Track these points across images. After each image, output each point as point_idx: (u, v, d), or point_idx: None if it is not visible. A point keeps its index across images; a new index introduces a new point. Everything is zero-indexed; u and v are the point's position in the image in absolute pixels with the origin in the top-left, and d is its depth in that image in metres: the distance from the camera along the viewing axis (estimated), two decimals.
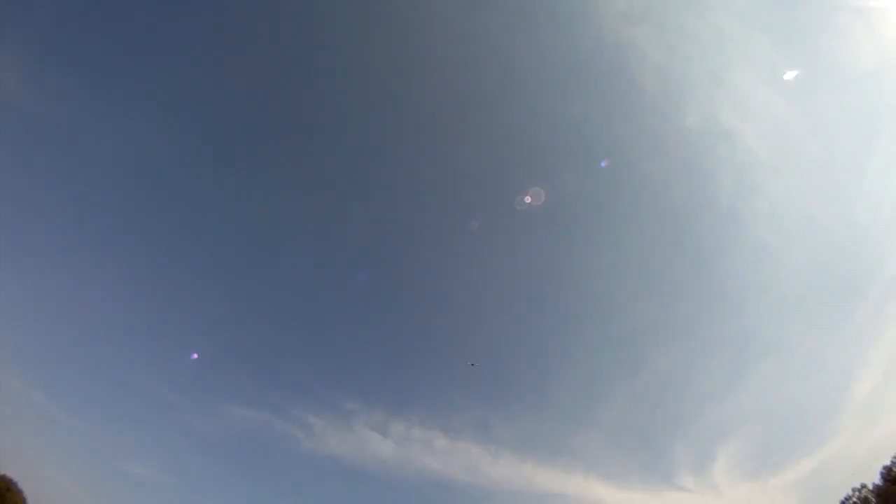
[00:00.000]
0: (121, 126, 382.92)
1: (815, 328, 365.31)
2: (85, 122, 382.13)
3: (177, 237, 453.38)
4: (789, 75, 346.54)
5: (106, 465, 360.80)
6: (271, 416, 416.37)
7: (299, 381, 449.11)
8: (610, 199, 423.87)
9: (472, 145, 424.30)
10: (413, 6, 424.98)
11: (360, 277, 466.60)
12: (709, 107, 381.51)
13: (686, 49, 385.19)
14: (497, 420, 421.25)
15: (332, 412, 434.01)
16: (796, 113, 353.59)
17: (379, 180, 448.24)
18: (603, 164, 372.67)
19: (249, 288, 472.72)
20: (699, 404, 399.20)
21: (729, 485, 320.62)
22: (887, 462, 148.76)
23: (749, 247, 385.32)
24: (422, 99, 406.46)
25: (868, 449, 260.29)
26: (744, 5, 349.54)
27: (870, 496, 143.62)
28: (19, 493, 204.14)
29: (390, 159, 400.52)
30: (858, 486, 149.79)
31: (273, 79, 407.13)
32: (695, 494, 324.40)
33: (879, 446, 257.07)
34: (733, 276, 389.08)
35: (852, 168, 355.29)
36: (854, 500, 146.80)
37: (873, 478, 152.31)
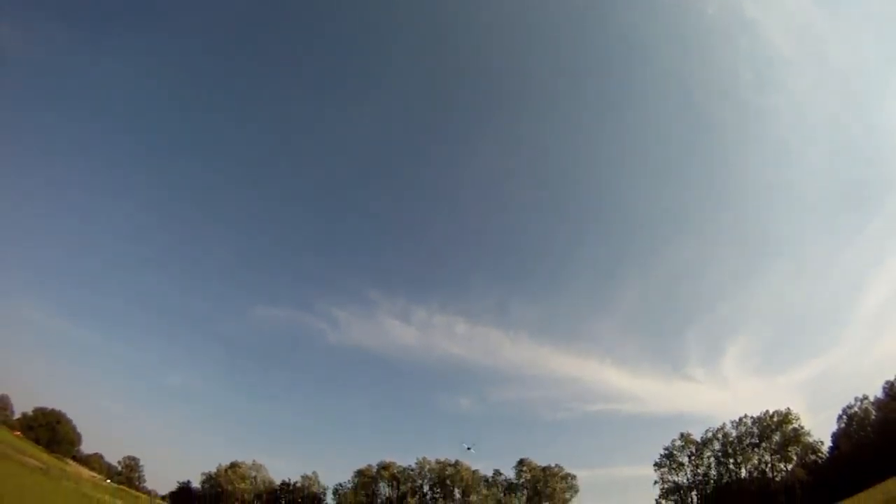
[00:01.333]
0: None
1: (831, 232, 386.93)
2: None
3: (197, 141, 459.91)
4: None
5: (146, 382, 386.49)
6: (298, 313, 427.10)
7: (322, 275, 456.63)
8: (627, 87, 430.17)
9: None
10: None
11: (381, 170, 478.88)
12: None
13: None
14: (515, 304, 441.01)
15: (355, 303, 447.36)
16: (824, 14, 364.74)
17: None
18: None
19: (271, 186, 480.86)
20: (712, 297, 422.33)
21: (737, 379, 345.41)
22: (891, 377, 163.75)
23: (768, 143, 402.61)
24: None
25: (873, 360, 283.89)
26: None
27: (870, 408, 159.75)
28: (69, 422, 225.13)
29: None
30: (861, 396, 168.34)
31: None
32: (703, 385, 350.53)
33: (884, 359, 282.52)
34: (751, 171, 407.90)
35: (878, 76, 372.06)
36: (856, 409, 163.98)
37: (876, 391, 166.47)
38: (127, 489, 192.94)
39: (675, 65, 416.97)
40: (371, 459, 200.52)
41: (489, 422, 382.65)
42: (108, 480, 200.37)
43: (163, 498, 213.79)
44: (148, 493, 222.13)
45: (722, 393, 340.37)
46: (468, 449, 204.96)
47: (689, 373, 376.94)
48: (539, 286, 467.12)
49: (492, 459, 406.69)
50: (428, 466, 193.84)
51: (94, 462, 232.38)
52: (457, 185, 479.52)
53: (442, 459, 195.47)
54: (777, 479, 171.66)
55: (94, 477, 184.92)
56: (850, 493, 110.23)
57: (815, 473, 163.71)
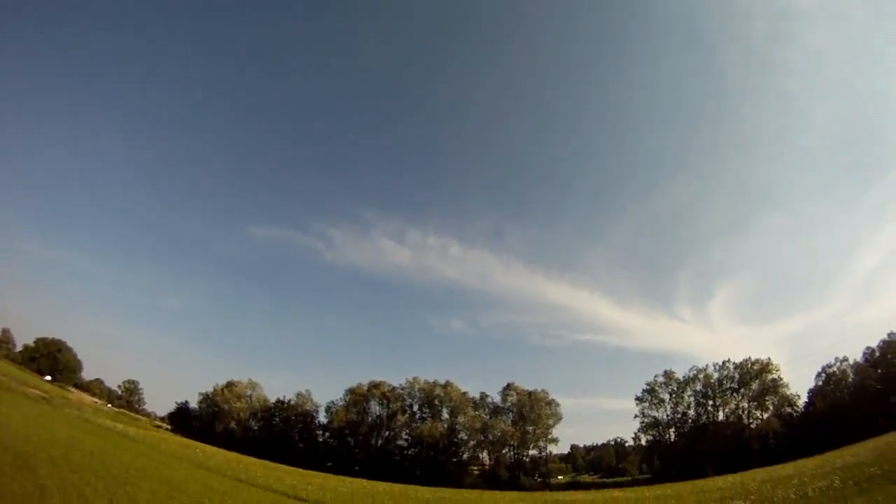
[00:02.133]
0: None
1: (830, 192, 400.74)
2: None
3: (192, 61, 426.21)
4: None
5: (144, 305, 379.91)
6: (293, 232, 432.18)
7: (318, 195, 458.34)
8: (639, 22, 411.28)
9: None
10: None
11: (382, 91, 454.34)
12: None
13: None
14: (511, 230, 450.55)
15: (350, 223, 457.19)
16: None
17: None
18: None
19: (267, 106, 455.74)
20: (706, 240, 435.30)
21: (723, 324, 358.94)
22: (872, 343, 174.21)
23: (776, 95, 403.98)
24: None
25: (856, 324, 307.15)
26: None
27: (849, 370, 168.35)
28: (70, 350, 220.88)
29: None
30: (841, 357, 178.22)
31: None
32: (689, 325, 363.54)
33: (867, 325, 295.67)
34: (756, 121, 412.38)
35: None
36: (835, 369, 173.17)
37: (856, 354, 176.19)
38: (127, 412, 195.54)
39: (689, 5, 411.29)
40: (363, 378, 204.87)
41: (479, 344, 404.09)
42: (109, 405, 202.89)
43: (161, 419, 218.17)
44: (147, 415, 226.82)
45: (706, 335, 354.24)
46: None
47: (677, 312, 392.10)
48: (535, 214, 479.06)
49: (480, 382, 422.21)
50: (418, 386, 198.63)
51: (94, 388, 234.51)
52: (460, 109, 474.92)
53: (431, 380, 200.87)
54: (752, 426, 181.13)
55: (95, 403, 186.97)
56: (821, 449, 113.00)
57: (789, 426, 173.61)
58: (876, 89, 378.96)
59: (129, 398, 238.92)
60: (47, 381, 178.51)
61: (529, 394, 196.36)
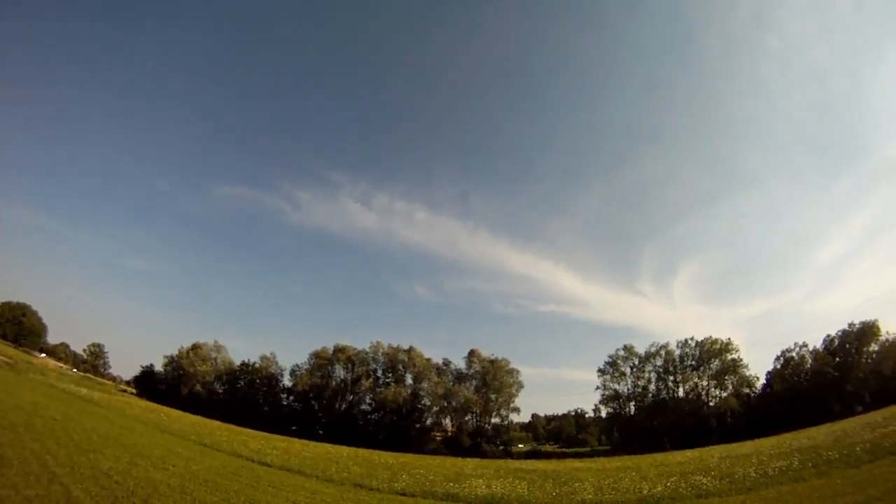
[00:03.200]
0: None
1: (799, 180, 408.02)
2: None
3: (162, 18, 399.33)
4: None
5: (111, 266, 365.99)
6: (260, 192, 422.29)
7: (286, 155, 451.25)
8: None
9: None
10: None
11: (352, 53, 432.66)
12: None
13: None
14: (477, 197, 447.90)
15: (318, 184, 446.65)
16: None
17: None
18: None
19: (234, 60, 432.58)
20: (672, 217, 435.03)
21: (684, 301, 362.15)
22: (831, 331, 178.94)
23: (753, 79, 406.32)
24: None
25: (817, 311, 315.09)
26: None
27: (807, 356, 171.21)
28: (35, 314, 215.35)
29: None
30: (801, 343, 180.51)
31: None
32: (652, 302, 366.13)
33: (827, 314, 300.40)
34: (731, 102, 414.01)
35: (877, 43, 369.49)
36: (794, 353, 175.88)
37: (813, 341, 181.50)
38: (92, 377, 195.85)
39: None
40: (327, 342, 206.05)
41: (443, 310, 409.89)
42: (74, 370, 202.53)
43: (127, 383, 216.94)
44: (113, 379, 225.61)
45: (668, 312, 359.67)
46: None
47: (640, 287, 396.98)
48: (502, 182, 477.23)
49: (443, 348, 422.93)
50: (381, 350, 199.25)
51: (60, 352, 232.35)
52: (431, 76, 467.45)
53: (395, 345, 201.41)
54: (711, 403, 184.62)
55: (60, 367, 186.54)
56: (777, 430, 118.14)
57: (747, 405, 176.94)
58: (852, 82, 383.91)
59: (94, 362, 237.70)
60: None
61: (492, 362, 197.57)
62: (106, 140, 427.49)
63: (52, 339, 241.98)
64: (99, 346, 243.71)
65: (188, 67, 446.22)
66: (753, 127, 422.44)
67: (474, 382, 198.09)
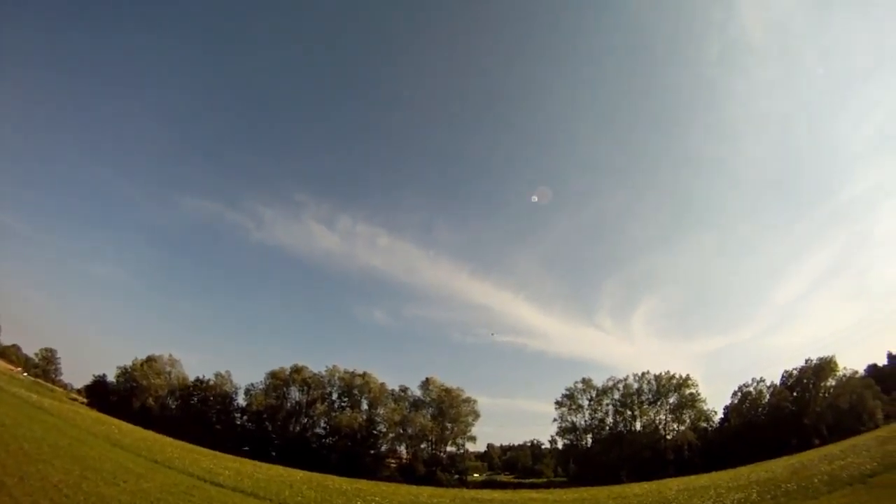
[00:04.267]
0: None
1: (759, 220, 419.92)
2: None
3: (134, 26, 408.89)
4: None
5: (71, 270, 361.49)
6: (224, 207, 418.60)
7: (252, 172, 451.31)
8: (589, 30, 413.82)
9: None
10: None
11: (322, 74, 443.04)
12: None
13: None
14: (440, 225, 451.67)
15: (282, 203, 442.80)
16: (804, 14, 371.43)
17: None
18: None
19: (206, 74, 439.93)
20: (632, 253, 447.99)
21: (643, 336, 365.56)
22: (788, 367, 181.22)
23: (717, 120, 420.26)
24: None
25: (773, 348, 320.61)
26: None
27: (765, 391, 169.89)
28: None
29: None
30: (759, 378, 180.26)
31: None
32: (610, 335, 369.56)
33: (782, 350, 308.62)
34: (694, 141, 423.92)
35: (840, 90, 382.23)
36: (751, 388, 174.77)
37: (771, 377, 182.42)
38: (43, 382, 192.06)
39: (642, 20, 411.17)
40: (284, 362, 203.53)
41: (401, 336, 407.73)
42: (25, 374, 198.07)
43: (78, 391, 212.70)
44: (64, 386, 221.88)
45: (626, 346, 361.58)
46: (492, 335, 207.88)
47: (599, 321, 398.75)
48: (465, 211, 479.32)
49: (400, 374, 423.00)
50: (338, 374, 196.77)
51: (11, 354, 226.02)
52: (398, 103, 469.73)
53: (351, 369, 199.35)
54: (668, 436, 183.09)
55: (11, 370, 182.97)
56: (735, 464, 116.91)
57: (704, 439, 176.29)
58: (814, 127, 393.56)
59: (46, 367, 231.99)
60: None
61: (448, 390, 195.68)
62: (72, 142, 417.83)
63: (4, 339, 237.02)
64: (51, 350, 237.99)
65: (160, 76, 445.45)
66: (719, 167, 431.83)
67: (430, 410, 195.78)
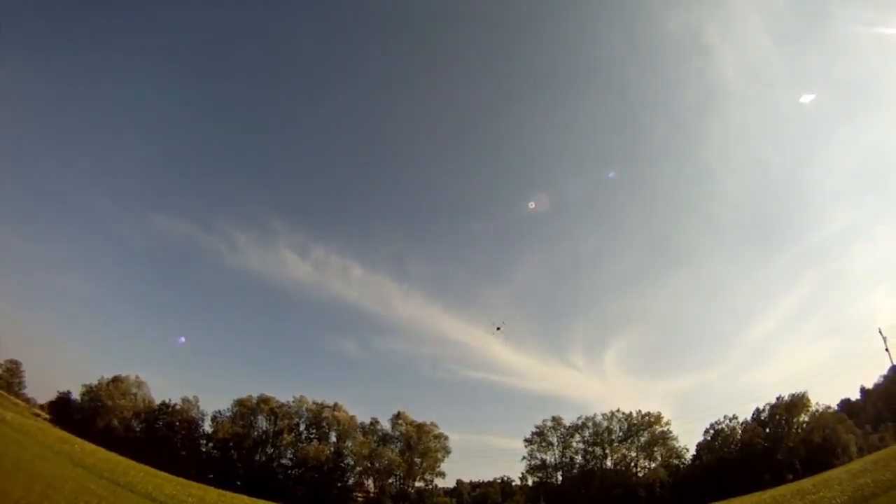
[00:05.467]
0: None
1: (732, 259, 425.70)
2: None
3: (116, 38, 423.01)
4: (790, 26, 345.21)
5: (37, 279, 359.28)
6: (198, 229, 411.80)
7: (228, 195, 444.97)
8: (565, 74, 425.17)
9: None
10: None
11: (302, 100, 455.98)
12: (694, 16, 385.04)
13: None
14: (412, 260, 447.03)
15: (256, 229, 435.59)
16: (780, 57, 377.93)
17: None
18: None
19: (186, 90, 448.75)
20: (604, 292, 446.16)
21: (615, 374, 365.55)
22: (759, 404, 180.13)
23: (691, 161, 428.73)
24: None
25: (745, 386, 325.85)
26: None
27: (738, 427, 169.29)
28: None
29: None
30: (731, 415, 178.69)
31: None
32: (583, 374, 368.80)
33: (755, 388, 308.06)
34: (668, 182, 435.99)
35: (816, 131, 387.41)
36: (723, 426, 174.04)
37: (742, 414, 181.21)
38: (6, 395, 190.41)
39: (620, 67, 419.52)
40: (252, 390, 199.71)
41: (371, 369, 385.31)
42: None
43: (41, 407, 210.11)
44: (27, 401, 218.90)
45: (598, 384, 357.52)
46: (497, 329, 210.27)
47: (571, 359, 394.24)
48: (437, 248, 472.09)
49: (369, 407, 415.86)
50: (306, 405, 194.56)
51: None
52: (375, 132, 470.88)
53: (320, 400, 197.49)
54: (639, 474, 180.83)
55: None
56: (706, 500, 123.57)
57: (676, 476, 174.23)
58: (789, 170, 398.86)
59: (10, 380, 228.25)
60: None
61: (419, 425, 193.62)
62: (46, 146, 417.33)
63: None
64: (16, 363, 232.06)
65: (137, 90, 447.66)
66: (691, 209, 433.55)
67: (399, 444, 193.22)
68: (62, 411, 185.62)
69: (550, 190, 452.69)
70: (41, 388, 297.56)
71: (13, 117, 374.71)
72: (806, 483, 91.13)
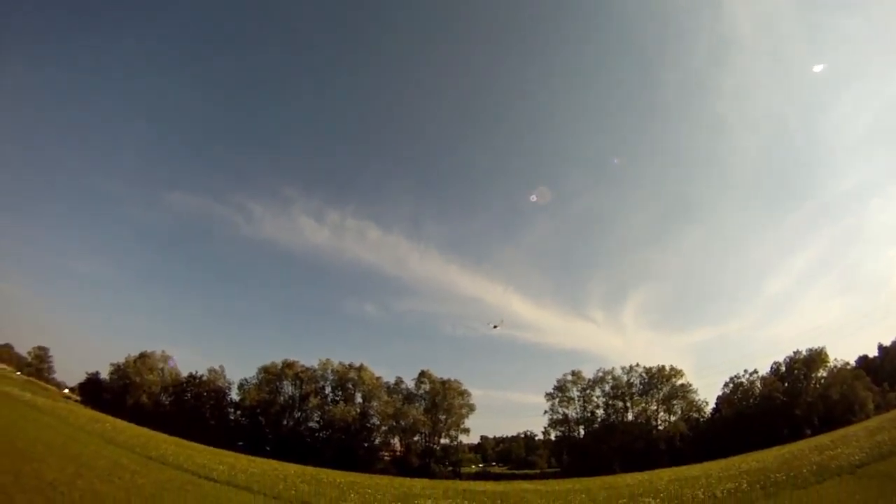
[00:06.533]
0: None
1: (751, 214, 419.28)
2: None
3: (118, 19, 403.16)
4: None
5: (56, 266, 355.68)
6: (212, 202, 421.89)
7: (240, 167, 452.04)
8: (576, 29, 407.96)
9: None
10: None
11: (309, 66, 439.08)
12: None
13: None
14: (428, 219, 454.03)
15: (270, 197, 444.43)
16: (792, 10, 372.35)
17: None
18: None
19: (191, 69, 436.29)
20: (621, 246, 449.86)
21: (633, 328, 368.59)
22: (778, 358, 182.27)
23: (706, 116, 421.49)
24: None
25: (763, 341, 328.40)
26: None
27: (757, 382, 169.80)
28: None
29: None
30: (751, 370, 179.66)
31: None
32: (601, 328, 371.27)
33: (772, 343, 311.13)
34: (684, 136, 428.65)
35: (830, 83, 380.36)
36: (743, 380, 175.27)
37: (764, 368, 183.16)
38: (36, 381, 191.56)
39: (631, 20, 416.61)
40: (276, 357, 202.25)
41: (392, 330, 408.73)
42: (18, 372, 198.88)
43: (71, 389, 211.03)
44: (57, 384, 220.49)
45: (617, 338, 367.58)
46: (494, 327, 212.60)
47: (589, 313, 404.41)
48: (454, 206, 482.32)
49: (393, 367, 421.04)
50: (331, 368, 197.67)
51: (3, 353, 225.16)
52: (386, 98, 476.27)
53: (345, 362, 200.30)
54: (660, 427, 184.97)
55: (3, 369, 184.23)
56: (726, 454, 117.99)
57: (695, 430, 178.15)
58: (805, 121, 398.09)
59: (38, 366, 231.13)
60: None
61: (443, 383, 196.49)
62: (57, 136, 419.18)
63: None
64: (44, 349, 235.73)
65: (144, 70, 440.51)
66: (707, 163, 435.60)
67: (424, 403, 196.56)
68: (92, 392, 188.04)
69: (562, 147, 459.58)
70: (70, 371, 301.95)
71: (15, 116, 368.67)
72: (824, 439, 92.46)
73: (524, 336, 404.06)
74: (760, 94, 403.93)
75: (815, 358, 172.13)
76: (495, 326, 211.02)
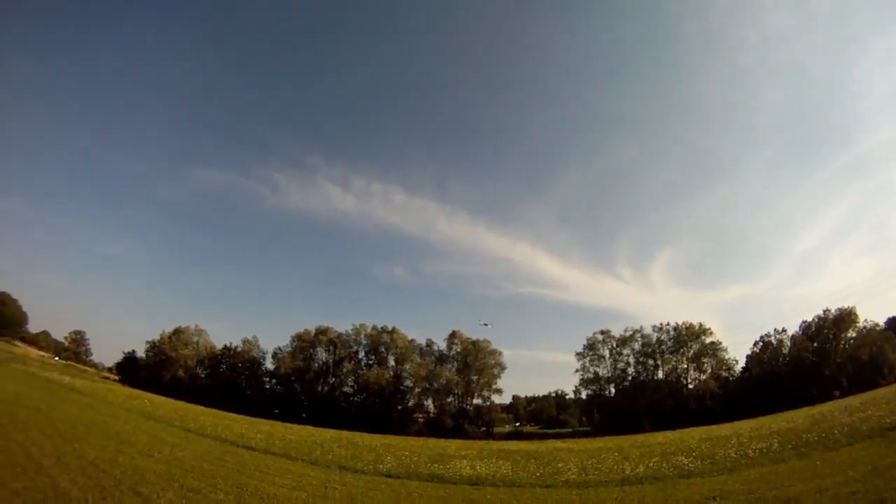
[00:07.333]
0: None
1: (778, 170, 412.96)
2: None
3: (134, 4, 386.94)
4: None
5: (87, 252, 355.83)
6: (237, 176, 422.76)
7: (262, 139, 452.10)
8: None
9: None
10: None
11: (325, 36, 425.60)
12: None
13: None
14: (453, 180, 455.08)
15: (294, 168, 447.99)
16: None
17: None
18: None
19: (212, 47, 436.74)
20: (649, 203, 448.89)
21: (662, 286, 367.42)
22: (808, 317, 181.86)
23: (731, 70, 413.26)
24: None
25: (791, 299, 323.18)
26: None
27: (786, 340, 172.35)
28: (14, 302, 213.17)
29: None
30: (780, 328, 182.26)
31: None
32: (629, 286, 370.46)
33: (801, 301, 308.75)
34: (709, 92, 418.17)
35: (856, 37, 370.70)
36: (772, 339, 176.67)
37: (793, 327, 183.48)
38: (74, 364, 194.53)
39: None
40: (308, 324, 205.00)
41: (421, 293, 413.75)
42: (56, 358, 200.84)
43: (109, 370, 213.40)
44: (95, 366, 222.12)
45: (646, 296, 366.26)
46: (485, 325, 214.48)
47: (618, 271, 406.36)
48: (478, 166, 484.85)
49: (423, 330, 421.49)
50: (364, 332, 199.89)
51: (41, 340, 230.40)
52: (407, 61, 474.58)
53: (378, 326, 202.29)
54: (690, 385, 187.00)
55: (42, 356, 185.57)
56: (755, 413, 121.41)
57: (725, 388, 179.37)
58: (831, 76, 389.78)
59: (76, 350, 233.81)
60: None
61: (474, 343, 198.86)
62: (80, 125, 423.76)
63: (33, 327, 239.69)
64: (80, 333, 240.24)
65: (164, 53, 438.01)
66: (732, 118, 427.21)
67: (456, 364, 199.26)
68: (129, 370, 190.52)
69: (587, 105, 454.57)
70: (107, 352, 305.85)
71: (38, 104, 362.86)
72: (853, 401, 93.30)
73: (553, 294, 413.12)
74: (784, 45, 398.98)
75: (845, 318, 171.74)
76: (486, 324, 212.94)
